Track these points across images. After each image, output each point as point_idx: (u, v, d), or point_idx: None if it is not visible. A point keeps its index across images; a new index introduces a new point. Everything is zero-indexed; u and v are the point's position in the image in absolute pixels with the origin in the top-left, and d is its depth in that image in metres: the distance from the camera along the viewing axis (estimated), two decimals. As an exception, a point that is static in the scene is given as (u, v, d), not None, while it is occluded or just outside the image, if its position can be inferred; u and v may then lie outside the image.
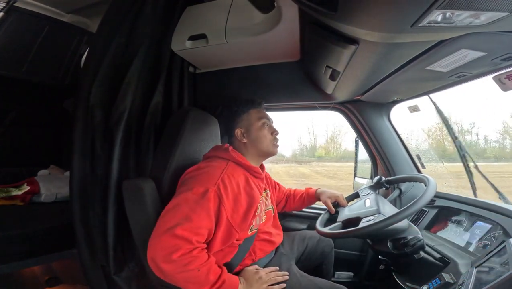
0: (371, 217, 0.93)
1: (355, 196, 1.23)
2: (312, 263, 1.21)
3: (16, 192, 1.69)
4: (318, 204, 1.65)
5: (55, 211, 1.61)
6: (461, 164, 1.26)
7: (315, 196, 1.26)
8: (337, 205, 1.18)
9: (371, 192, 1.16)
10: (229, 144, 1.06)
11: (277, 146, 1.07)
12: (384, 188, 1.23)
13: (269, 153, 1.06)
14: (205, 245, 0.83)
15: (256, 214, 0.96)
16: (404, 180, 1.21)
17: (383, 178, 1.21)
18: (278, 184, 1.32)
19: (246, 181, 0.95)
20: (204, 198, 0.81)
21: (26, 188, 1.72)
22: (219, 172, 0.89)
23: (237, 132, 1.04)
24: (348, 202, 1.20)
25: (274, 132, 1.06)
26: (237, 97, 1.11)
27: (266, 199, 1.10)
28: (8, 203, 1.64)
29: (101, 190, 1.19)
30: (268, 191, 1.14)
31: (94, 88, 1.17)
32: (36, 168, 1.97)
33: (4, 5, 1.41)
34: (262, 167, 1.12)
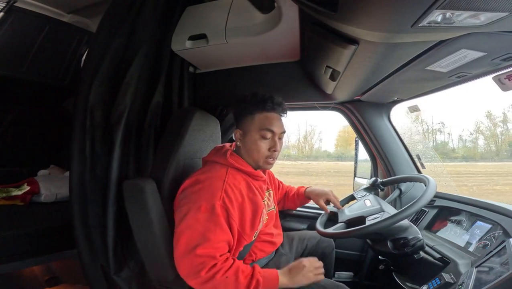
0: (377, 215, 0.93)
1: (351, 198, 1.22)
2: None
3: (16, 192, 1.69)
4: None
5: (55, 211, 1.62)
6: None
7: (304, 196, 1.23)
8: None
9: (367, 194, 1.16)
10: (233, 141, 1.03)
11: (270, 163, 0.96)
12: (379, 190, 1.23)
13: (258, 167, 0.97)
14: (229, 254, 0.84)
15: (261, 219, 0.96)
16: (400, 180, 1.22)
17: (379, 180, 1.22)
18: (280, 182, 1.31)
19: (248, 186, 0.94)
20: (214, 214, 0.82)
21: (26, 188, 1.72)
22: (221, 183, 0.87)
23: (236, 132, 0.98)
24: (343, 205, 1.20)
25: (272, 148, 0.93)
26: (255, 92, 0.99)
27: (269, 200, 1.08)
28: (8, 203, 1.64)
29: (101, 190, 1.19)
30: (271, 191, 1.13)
31: (93, 88, 1.17)
32: (36, 168, 1.97)
33: (4, 5, 1.41)
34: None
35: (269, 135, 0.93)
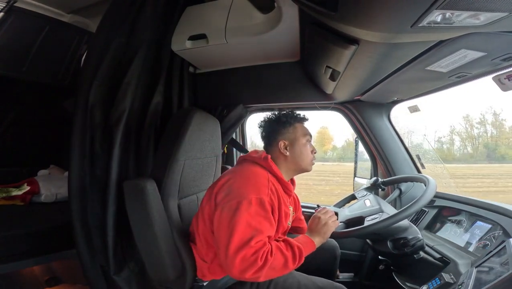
0: (376, 216, 0.94)
1: (352, 198, 1.23)
2: (315, 267, 1.19)
3: (16, 192, 1.69)
4: (318, 204, 1.65)
5: (55, 211, 1.62)
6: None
7: None
8: (339, 205, 1.18)
9: (368, 193, 1.16)
10: (268, 151, 1.03)
11: (313, 164, 1.06)
12: (380, 190, 1.24)
13: (306, 170, 1.05)
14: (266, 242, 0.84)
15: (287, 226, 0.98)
16: (401, 180, 1.22)
17: (380, 180, 1.22)
18: (302, 219, 1.26)
19: (280, 192, 0.96)
20: (264, 208, 0.83)
21: (26, 188, 1.73)
22: (266, 181, 0.89)
23: (281, 144, 1.00)
24: (343, 204, 1.20)
25: (313, 151, 1.05)
26: (282, 109, 1.08)
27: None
28: (8, 203, 1.64)
29: (101, 190, 1.19)
30: (292, 210, 1.10)
31: (93, 88, 1.17)
32: (36, 168, 1.97)
33: (4, 5, 1.41)
34: (293, 181, 1.10)
35: (309, 139, 1.04)
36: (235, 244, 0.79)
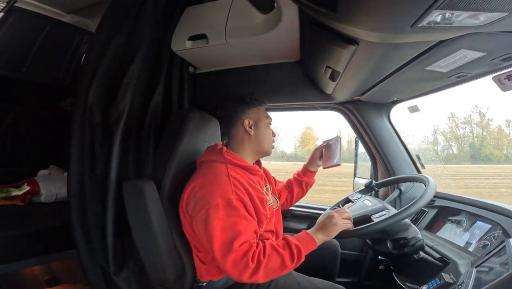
0: (383, 213, 0.94)
1: (346, 201, 1.22)
2: (314, 266, 1.19)
3: (16, 192, 1.69)
4: (318, 204, 1.65)
5: (55, 211, 1.62)
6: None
7: (306, 168, 1.25)
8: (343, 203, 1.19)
9: (363, 196, 1.16)
10: (229, 135, 1.04)
11: (273, 147, 1.09)
12: (374, 192, 1.23)
13: (267, 152, 1.06)
14: (256, 239, 0.84)
15: (267, 211, 0.96)
16: (395, 181, 1.22)
17: (374, 182, 1.22)
18: (274, 178, 1.28)
19: (248, 181, 0.94)
20: (234, 208, 0.82)
21: (26, 188, 1.73)
22: (226, 178, 0.88)
23: (246, 122, 1.01)
24: (339, 206, 1.21)
25: (273, 134, 1.08)
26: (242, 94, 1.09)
27: (267, 194, 1.07)
28: (8, 203, 1.64)
29: (100, 190, 1.19)
30: (269, 185, 1.13)
31: (93, 88, 1.17)
32: (36, 168, 1.97)
33: (4, 5, 1.41)
34: (259, 162, 1.10)
35: (271, 122, 1.08)
36: (218, 251, 0.79)
